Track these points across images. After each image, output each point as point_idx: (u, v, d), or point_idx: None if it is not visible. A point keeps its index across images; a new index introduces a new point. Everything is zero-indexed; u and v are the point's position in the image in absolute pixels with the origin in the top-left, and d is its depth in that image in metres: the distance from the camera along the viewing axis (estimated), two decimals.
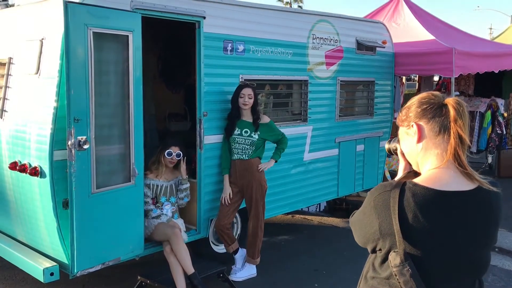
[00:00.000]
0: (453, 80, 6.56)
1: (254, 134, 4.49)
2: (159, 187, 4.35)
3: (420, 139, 1.57)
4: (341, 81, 6.02)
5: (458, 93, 8.33)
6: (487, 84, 9.22)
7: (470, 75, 9.22)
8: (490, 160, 9.21)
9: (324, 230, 6.30)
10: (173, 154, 4.35)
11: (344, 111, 6.22)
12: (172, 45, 6.68)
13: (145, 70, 6.38)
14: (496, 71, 7.42)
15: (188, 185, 4.40)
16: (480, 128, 8.66)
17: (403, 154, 1.73)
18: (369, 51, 6.37)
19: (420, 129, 1.57)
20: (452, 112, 1.52)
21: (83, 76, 3.47)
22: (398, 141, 1.74)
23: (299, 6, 36.61)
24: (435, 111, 1.55)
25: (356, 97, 6.62)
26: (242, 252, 4.71)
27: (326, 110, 5.89)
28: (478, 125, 8.65)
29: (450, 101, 1.54)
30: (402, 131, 1.65)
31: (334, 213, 7.14)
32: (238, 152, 4.51)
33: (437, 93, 1.61)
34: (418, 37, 7.21)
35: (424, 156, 1.58)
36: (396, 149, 1.82)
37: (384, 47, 6.51)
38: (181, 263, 3.96)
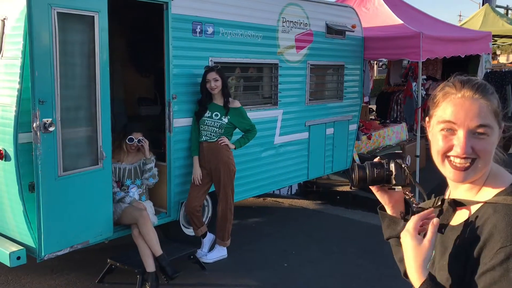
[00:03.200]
0: (420, 64, 6.69)
1: (224, 117, 4.50)
2: (123, 170, 4.33)
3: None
4: (311, 65, 6.06)
5: (425, 76, 8.48)
6: (454, 69, 9.40)
7: (438, 60, 9.40)
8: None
9: (294, 212, 6.38)
10: (135, 140, 4.32)
11: (314, 95, 6.27)
12: (142, 29, 6.58)
13: (114, 54, 6.34)
14: (463, 56, 7.58)
15: (152, 164, 4.38)
16: None
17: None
18: (338, 35, 6.42)
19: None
20: None
21: (48, 57, 3.41)
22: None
23: None
24: None
25: (326, 81, 6.68)
26: (210, 237, 4.74)
27: (296, 94, 5.93)
28: None
29: None
30: (495, 123, 1.20)
31: (306, 196, 7.24)
32: (206, 134, 4.51)
33: None
34: (387, 22, 7.29)
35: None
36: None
37: (353, 31, 6.58)
38: (149, 245, 3.97)
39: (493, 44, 17.53)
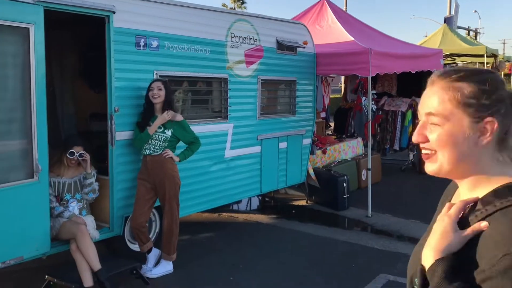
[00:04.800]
0: (369, 79, 6.84)
1: (168, 130, 4.49)
2: (62, 184, 4.26)
3: (490, 141, 1.10)
4: (262, 79, 6.13)
5: (374, 91, 8.67)
6: (409, 85, 9.65)
7: (393, 76, 9.65)
8: (411, 157, 9.65)
9: (248, 226, 6.37)
10: (76, 154, 4.27)
11: (266, 109, 6.34)
12: (94, 45, 6.55)
13: (65, 70, 6.33)
14: (413, 72, 7.80)
15: (92, 180, 4.33)
16: (402, 127, 9.07)
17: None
18: (290, 51, 6.53)
19: (496, 128, 1.09)
20: None
21: None
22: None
23: (243, 8, 37.05)
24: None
25: (278, 95, 6.77)
26: (155, 252, 4.69)
27: (247, 108, 5.98)
28: (400, 124, 9.06)
29: None
30: (457, 114, 1.10)
31: (263, 211, 7.25)
32: (150, 148, 4.49)
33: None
34: (339, 39, 7.47)
35: (482, 164, 1.11)
36: None
37: (304, 47, 6.70)
38: (87, 259, 3.89)
39: (453, 63, 18.18)
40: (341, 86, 16.39)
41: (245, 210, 7.34)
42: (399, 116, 9.04)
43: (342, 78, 11.95)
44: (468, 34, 35.09)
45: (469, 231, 1.06)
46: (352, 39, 7.26)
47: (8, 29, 3.58)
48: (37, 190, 3.83)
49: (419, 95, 8.20)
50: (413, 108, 9.06)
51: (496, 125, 1.08)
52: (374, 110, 8.30)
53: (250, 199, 7.60)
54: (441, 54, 8.96)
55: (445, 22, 18.69)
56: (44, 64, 3.84)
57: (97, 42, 6.38)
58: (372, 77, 7.07)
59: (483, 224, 1.04)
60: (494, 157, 1.12)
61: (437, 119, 1.10)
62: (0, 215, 3.56)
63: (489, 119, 1.08)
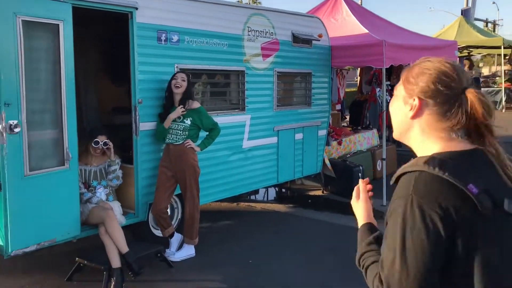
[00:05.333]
0: (384, 71, 6.97)
1: (187, 120, 4.70)
2: (89, 172, 4.51)
3: (415, 116, 1.33)
4: (278, 72, 6.31)
5: (389, 82, 8.77)
6: None
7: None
8: None
9: (265, 215, 6.57)
10: (100, 143, 4.51)
11: (282, 101, 6.51)
12: (116, 40, 6.80)
13: (88, 65, 6.58)
14: None
15: (116, 166, 4.56)
16: None
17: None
18: (305, 44, 6.69)
19: (421, 107, 1.31)
20: (478, 107, 1.26)
21: (13, 62, 3.61)
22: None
23: (258, 3, 37.16)
24: (449, 97, 1.28)
25: (293, 88, 6.94)
26: (177, 236, 4.91)
27: (264, 100, 6.17)
28: None
29: (472, 92, 1.27)
30: (400, 92, 1.38)
31: (280, 201, 7.45)
32: (171, 138, 4.71)
33: (462, 72, 1.32)
34: (354, 31, 7.60)
35: (416, 135, 1.34)
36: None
37: (319, 40, 6.85)
38: (115, 242, 4.13)
39: (469, 55, 18.08)
40: (357, 80, 16.48)
41: (262, 200, 7.54)
42: None
43: (358, 71, 12.06)
44: (486, 26, 34.70)
45: (362, 195, 1.56)
46: (367, 31, 7.38)
47: (40, 25, 3.82)
48: (67, 177, 4.07)
49: None
50: None
51: (418, 105, 1.31)
52: (388, 101, 8.40)
53: (267, 190, 7.79)
54: (456, 46, 9.02)
55: (462, 14, 18.60)
56: (73, 58, 4.07)
57: (118, 38, 6.68)
58: (386, 69, 7.20)
59: (361, 184, 1.57)
60: (430, 133, 1.31)
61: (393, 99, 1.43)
62: (35, 199, 3.82)
63: (415, 98, 1.31)
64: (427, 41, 8.61)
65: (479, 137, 1.29)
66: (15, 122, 3.61)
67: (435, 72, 1.29)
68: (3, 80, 3.54)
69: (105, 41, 6.81)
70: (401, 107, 1.37)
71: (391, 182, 1.33)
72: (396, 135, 1.42)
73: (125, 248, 4.15)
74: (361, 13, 8.40)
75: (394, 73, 9.82)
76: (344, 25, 7.97)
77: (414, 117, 1.33)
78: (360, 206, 1.53)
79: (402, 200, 1.21)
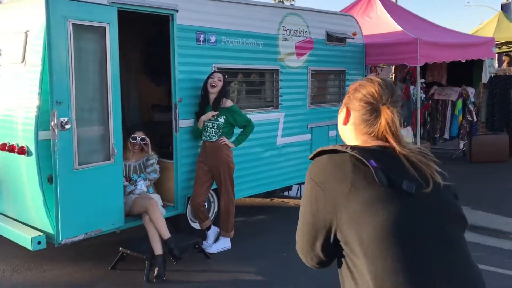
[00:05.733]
0: (418, 69, 6.98)
1: (220, 118, 4.89)
2: (128, 167, 4.76)
3: (345, 122, 1.62)
4: (312, 70, 6.43)
5: (423, 80, 8.74)
6: (459, 74, 9.64)
7: (443, 65, 9.65)
8: (462, 146, 9.64)
9: (298, 211, 6.68)
10: (137, 138, 4.75)
11: (316, 98, 6.63)
12: (156, 42, 7.07)
13: (130, 65, 6.86)
14: (463, 61, 7.84)
15: (153, 160, 4.79)
16: (452, 116, 9.10)
17: None
18: (339, 42, 6.78)
19: (348, 113, 1.61)
20: (385, 114, 1.52)
21: (64, 63, 3.87)
22: None
23: (291, 4, 37.10)
24: (368, 110, 1.55)
25: (327, 85, 7.03)
26: (214, 229, 5.12)
27: (297, 98, 6.30)
28: (450, 113, 9.09)
29: (385, 108, 1.53)
30: (342, 106, 1.68)
31: None
32: (206, 135, 4.91)
33: (387, 92, 1.56)
34: (388, 29, 7.63)
35: (349, 135, 1.61)
36: None
37: (353, 39, 6.93)
38: (158, 229, 4.37)
39: (509, 51, 17.64)
40: (391, 77, 16.33)
41: (295, 196, 7.67)
42: (449, 105, 9.07)
43: (392, 69, 12.00)
44: None
45: None
46: (401, 29, 7.40)
47: (88, 28, 4.08)
48: (113, 171, 4.33)
49: (469, 84, 8.26)
50: (463, 97, 9.06)
51: (346, 113, 1.62)
52: (422, 99, 8.40)
53: (300, 186, 7.91)
54: (493, 42, 8.90)
55: (501, 9, 18.14)
56: (118, 59, 4.32)
57: (158, 39, 6.93)
58: (421, 67, 7.21)
59: None
60: (356, 135, 1.59)
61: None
62: (83, 192, 4.08)
63: (345, 108, 1.63)
64: (463, 38, 8.54)
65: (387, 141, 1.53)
66: (66, 119, 3.87)
67: (364, 92, 1.58)
68: (55, 81, 3.80)
69: (145, 42, 7.09)
70: (340, 115, 1.68)
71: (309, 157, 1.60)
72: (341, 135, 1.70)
73: (167, 234, 4.39)
74: (395, 10, 8.41)
75: (428, 71, 9.77)
76: (378, 23, 8.01)
77: (345, 122, 1.63)
78: None
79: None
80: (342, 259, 1.48)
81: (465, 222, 1.48)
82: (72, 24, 3.90)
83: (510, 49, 17.82)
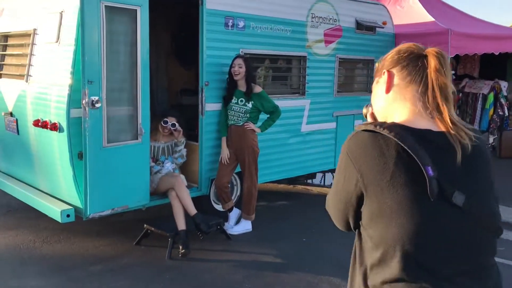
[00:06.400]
0: (448, 60, 6.86)
1: (248, 103, 4.96)
2: (157, 148, 4.89)
3: (389, 88, 1.42)
4: (340, 58, 6.41)
5: (453, 71, 8.58)
6: (492, 67, 9.43)
7: (476, 58, 9.46)
8: (492, 140, 9.46)
9: (321, 198, 6.71)
10: (169, 123, 4.86)
11: (343, 87, 6.62)
12: (185, 26, 7.17)
13: (159, 48, 6.99)
14: (496, 53, 7.67)
15: (181, 147, 4.90)
16: (482, 110, 8.93)
17: (372, 115, 1.57)
18: (369, 31, 6.73)
19: (390, 76, 1.41)
20: (433, 61, 1.35)
21: (96, 44, 4.00)
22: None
23: None
24: (411, 59, 1.39)
25: (355, 74, 7.01)
26: (236, 211, 5.22)
27: (324, 86, 6.31)
28: (480, 106, 8.92)
29: (430, 50, 1.39)
30: (374, 83, 1.52)
31: None
32: (233, 119, 4.99)
33: (419, 44, 1.46)
34: (420, 19, 7.52)
35: (392, 108, 1.41)
36: (366, 113, 1.63)
37: (383, 28, 6.86)
38: (185, 205, 4.52)
39: None
40: None
41: (319, 184, 7.71)
42: (479, 99, 8.90)
43: None
44: None
45: None
46: (433, 19, 7.29)
47: (120, 10, 4.19)
48: (140, 150, 4.46)
49: (503, 78, 8.07)
50: (495, 90, 8.88)
51: (387, 76, 1.42)
52: (454, 90, 8.25)
53: (324, 174, 7.93)
54: None
55: None
56: (148, 42, 4.42)
57: (187, 23, 7.03)
58: (453, 59, 7.09)
59: None
60: (400, 101, 1.40)
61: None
62: (111, 169, 4.23)
63: (384, 72, 1.45)
64: (498, 30, 8.33)
65: (439, 114, 1.34)
66: (97, 98, 4.01)
67: (396, 49, 1.47)
68: (87, 61, 3.94)
69: (175, 26, 7.20)
70: (377, 91, 1.49)
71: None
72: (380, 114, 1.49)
73: (193, 211, 4.53)
74: (428, 0, 8.26)
75: (460, 63, 9.59)
76: (410, 13, 7.90)
77: (388, 89, 1.42)
78: None
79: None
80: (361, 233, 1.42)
81: (500, 232, 1.36)
82: (105, 6, 4.02)
83: None
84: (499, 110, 8.81)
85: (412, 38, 7.01)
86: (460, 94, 8.99)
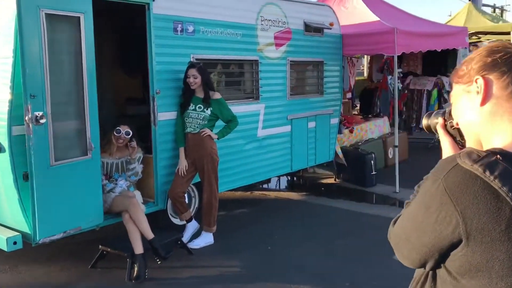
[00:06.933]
0: (395, 58, 7.00)
1: (207, 109, 4.78)
2: (110, 164, 4.59)
3: (485, 99, 1.12)
4: (291, 61, 6.36)
5: (400, 69, 8.81)
6: (434, 64, 9.75)
7: (419, 55, 9.74)
8: (437, 135, 9.76)
9: (280, 203, 6.66)
10: (122, 132, 4.58)
11: (295, 89, 6.57)
12: (129, 33, 6.88)
13: (102, 57, 6.64)
14: (438, 50, 7.91)
15: (134, 165, 4.60)
16: (428, 106, 9.20)
17: (445, 129, 1.33)
18: (317, 32, 6.73)
19: (487, 85, 1.12)
20: None
21: (37, 55, 3.69)
22: (444, 114, 1.34)
23: None
24: (511, 62, 1.11)
25: (306, 76, 6.99)
26: (194, 223, 5.01)
27: (277, 89, 6.23)
28: (425, 102, 9.19)
29: None
30: (458, 91, 1.20)
31: (292, 189, 7.55)
32: (190, 126, 4.79)
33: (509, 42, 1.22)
34: (365, 19, 7.61)
35: (491, 125, 1.12)
36: (437, 124, 1.36)
37: (331, 29, 6.89)
38: (141, 229, 4.23)
39: (478, 41, 17.99)
40: (363, 69, 16.46)
41: (275, 189, 7.64)
42: (424, 95, 9.17)
43: (365, 60, 12.05)
44: (494, 12, 34.42)
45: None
46: (378, 19, 7.40)
47: (62, 18, 3.90)
48: (90, 166, 4.17)
49: (444, 73, 8.35)
50: (439, 86, 9.17)
51: (484, 84, 1.13)
52: (400, 88, 8.46)
53: (279, 178, 7.89)
54: (466, 32, 9.01)
55: (469, 0, 18.47)
56: (94, 50, 4.15)
57: (130, 29, 6.74)
58: (397, 57, 7.22)
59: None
60: (503, 116, 1.13)
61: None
62: (61, 189, 3.92)
63: (478, 78, 1.14)
64: (438, 28, 8.61)
65: None
66: (41, 113, 3.70)
67: (484, 50, 1.16)
68: (28, 73, 3.62)
69: (117, 32, 6.89)
70: (464, 102, 1.18)
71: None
72: (472, 144, 1.18)
73: (150, 235, 4.26)
74: (370, 0, 8.40)
75: (404, 61, 9.85)
76: (354, 13, 7.98)
77: (484, 100, 1.12)
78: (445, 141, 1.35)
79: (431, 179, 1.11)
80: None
81: None
82: (45, 13, 3.72)
83: (480, 39, 18.19)
84: (443, 105, 9.10)
85: (360, 38, 7.11)
86: (406, 91, 9.21)
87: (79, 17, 3.99)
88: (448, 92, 9.25)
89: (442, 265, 1.11)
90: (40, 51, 3.70)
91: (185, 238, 4.91)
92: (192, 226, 5.04)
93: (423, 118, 1.45)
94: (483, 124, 1.13)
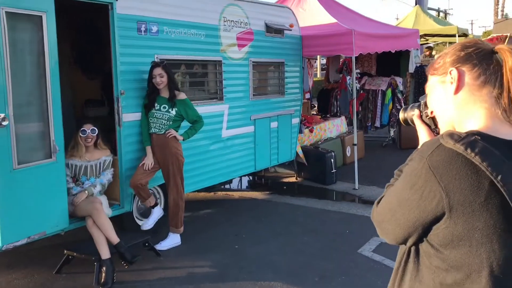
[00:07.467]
0: (353, 59, 7.19)
1: (172, 109, 4.75)
2: (79, 167, 4.47)
3: (458, 88, 1.24)
4: (253, 62, 6.42)
5: (359, 70, 9.07)
6: (388, 65, 10.07)
7: (372, 56, 10.04)
8: (392, 133, 10.11)
9: (244, 202, 6.70)
10: (88, 131, 4.49)
11: (258, 90, 6.64)
12: (87, 33, 6.72)
13: (60, 57, 6.45)
14: (393, 51, 8.19)
15: (99, 187, 4.49)
16: (383, 105, 9.50)
17: (421, 119, 1.42)
18: (277, 33, 6.82)
19: (460, 75, 1.23)
20: (510, 60, 1.19)
21: None
22: (419, 106, 1.44)
23: None
24: (482, 56, 1.22)
25: (268, 77, 7.06)
26: (159, 209, 4.95)
27: (241, 90, 6.27)
28: (380, 102, 9.48)
29: (503, 47, 1.22)
30: (433, 82, 1.31)
31: (255, 188, 7.60)
32: (155, 126, 4.75)
33: (480, 39, 1.33)
34: (322, 21, 7.78)
35: (464, 111, 1.24)
36: (413, 115, 1.45)
37: (291, 30, 7.00)
38: (106, 234, 4.14)
39: (426, 43, 18.74)
40: (316, 70, 16.77)
41: (238, 189, 7.67)
42: (379, 95, 9.46)
43: (318, 62, 12.29)
44: (438, 15, 35.94)
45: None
46: (335, 21, 7.58)
47: (23, 17, 3.77)
48: (55, 170, 4.05)
49: (397, 74, 8.66)
50: (393, 86, 9.49)
51: (457, 74, 1.24)
52: (358, 88, 8.70)
53: (240, 178, 7.93)
54: (418, 34, 9.38)
55: (416, 4, 19.20)
56: (57, 50, 4.05)
57: (89, 29, 6.59)
58: (355, 57, 7.43)
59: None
60: (475, 103, 1.24)
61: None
62: (24, 193, 3.79)
63: (452, 70, 1.26)
64: (392, 30, 8.92)
65: None
66: (3, 115, 3.57)
67: (457, 45, 1.28)
68: None
69: (75, 33, 6.72)
70: (439, 92, 1.29)
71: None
72: (446, 129, 1.26)
73: (116, 239, 4.18)
74: (327, 2, 8.59)
75: (359, 62, 10.12)
76: (312, 15, 8.14)
77: (457, 89, 1.24)
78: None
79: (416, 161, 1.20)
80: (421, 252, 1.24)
81: None
82: (5, 12, 3.59)
83: (427, 41, 18.95)
84: (397, 105, 9.43)
85: (319, 39, 7.26)
86: (361, 91, 9.47)
87: (41, 16, 3.88)
88: (401, 92, 9.61)
89: (424, 239, 1.20)
90: (1, 51, 3.57)
91: (149, 224, 4.85)
92: (157, 212, 4.95)
93: (400, 112, 1.55)
94: (457, 110, 1.25)
